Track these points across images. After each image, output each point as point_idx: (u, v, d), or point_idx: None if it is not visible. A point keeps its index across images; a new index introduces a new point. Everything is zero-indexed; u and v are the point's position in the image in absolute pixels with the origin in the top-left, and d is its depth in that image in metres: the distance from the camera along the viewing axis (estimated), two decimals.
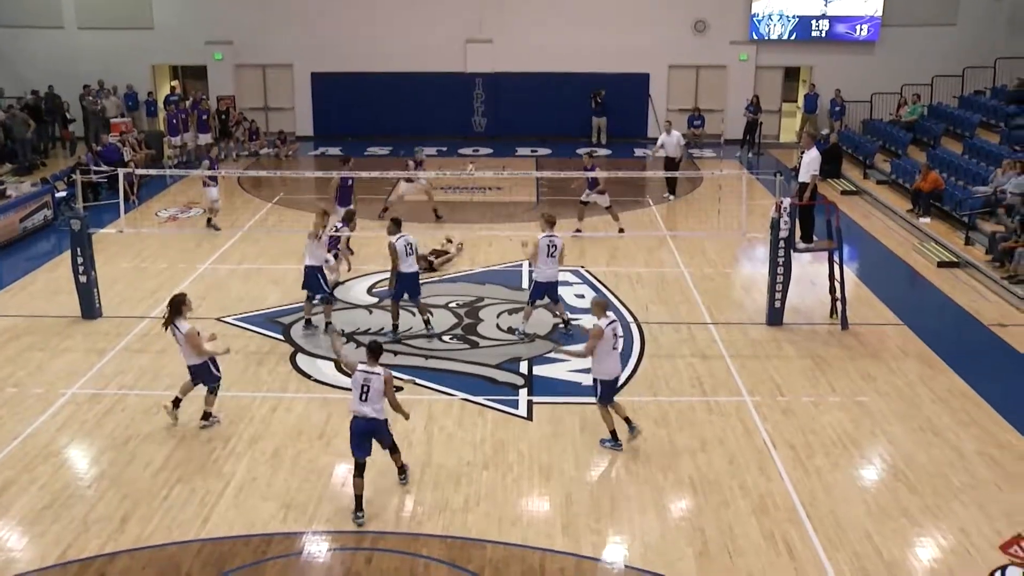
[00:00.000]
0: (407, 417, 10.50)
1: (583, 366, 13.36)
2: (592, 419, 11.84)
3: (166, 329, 11.65)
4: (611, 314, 11.29)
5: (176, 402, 11.98)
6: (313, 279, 14.58)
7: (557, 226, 14.65)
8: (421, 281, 14.85)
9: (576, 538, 9.61)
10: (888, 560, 9.30)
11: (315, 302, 14.89)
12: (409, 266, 14.31)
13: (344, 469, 10.86)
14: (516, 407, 12.40)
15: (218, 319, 15.38)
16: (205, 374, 11.76)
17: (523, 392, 12.82)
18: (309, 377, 13.37)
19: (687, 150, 28.44)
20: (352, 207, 18.09)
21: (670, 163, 23.43)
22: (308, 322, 14.93)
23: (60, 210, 21.55)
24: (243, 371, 13.35)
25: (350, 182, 18.82)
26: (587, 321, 15.12)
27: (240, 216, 21.25)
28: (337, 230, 15.76)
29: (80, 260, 15.22)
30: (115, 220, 19.70)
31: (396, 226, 14.37)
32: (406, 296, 14.53)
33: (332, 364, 13.64)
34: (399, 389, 12.14)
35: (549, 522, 9.89)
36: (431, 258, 17.18)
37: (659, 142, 23.85)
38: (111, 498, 10.30)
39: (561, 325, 14.79)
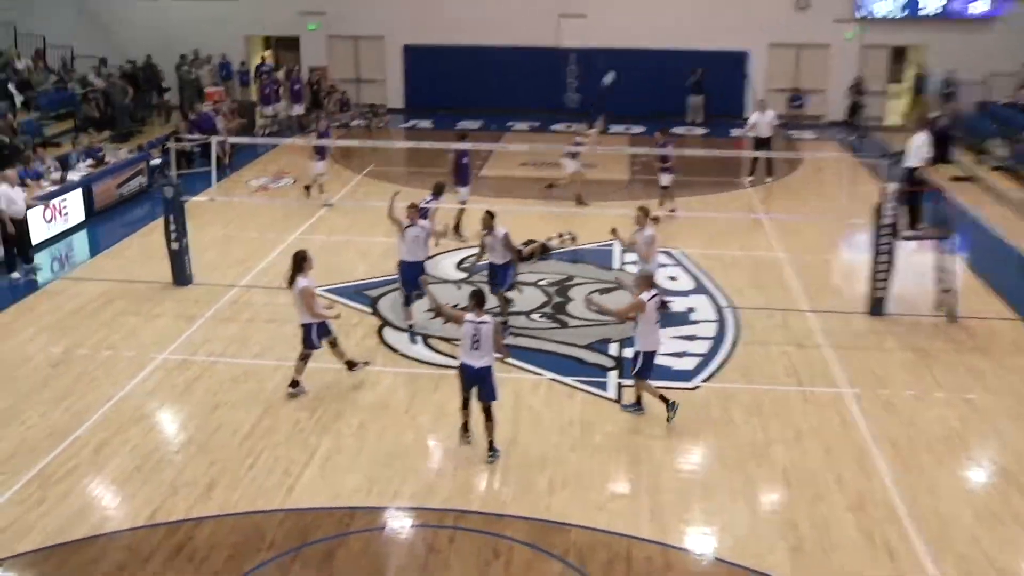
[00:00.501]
0: (506, 357, 11.03)
1: (673, 349, 13.35)
2: (684, 404, 11.67)
3: (289, 287, 11.78)
4: (655, 289, 11.35)
5: (350, 364, 12.33)
6: (403, 274, 13.83)
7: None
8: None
9: (664, 526, 9.47)
10: (999, 568, 8.90)
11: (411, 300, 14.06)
12: (497, 257, 13.93)
13: (430, 445, 10.95)
14: (605, 389, 12.28)
15: None
16: (305, 337, 11.91)
17: (613, 374, 12.69)
18: (396, 351, 13.44)
19: (786, 131, 27.87)
20: (466, 183, 17.94)
21: (761, 143, 22.96)
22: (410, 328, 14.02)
23: (155, 177, 22.04)
24: None
25: (466, 159, 18.52)
26: (679, 304, 15.07)
27: (330, 187, 21.40)
28: (427, 203, 15.68)
29: (173, 227, 15.53)
30: (207, 188, 20.13)
31: (492, 217, 13.84)
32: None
33: (421, 340, 13.67)
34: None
35: (636, 508, 9.76)
36: (520, 247, 16.99)
37: (751, 121, 23.35)
38: (198, 464, 10.50)
39: None
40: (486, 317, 10.38)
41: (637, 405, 11.64)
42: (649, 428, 11.33)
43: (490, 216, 13.82)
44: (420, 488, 10.07)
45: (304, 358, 12.05)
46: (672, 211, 19.48)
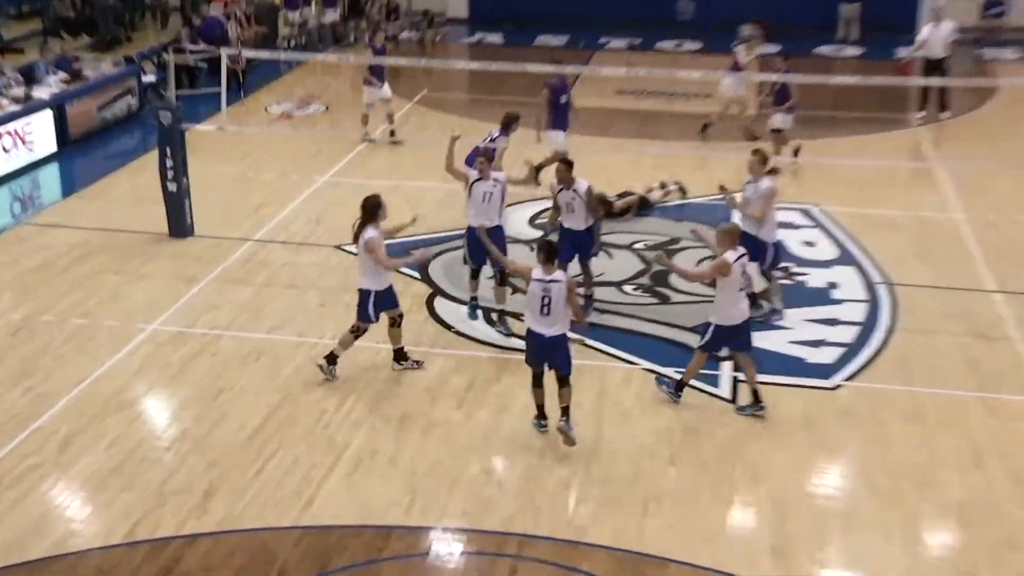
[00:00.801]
0: (582, 322, 11.23)
1: (808, 335, 13.21)
2: (821, 409, 11.53)
3: (355, 242, 11.82)
4: (741, 248, 11.28)
5: (399, 355, 12.36)
6: (470, 242, 13.47)
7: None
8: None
9: (790, 567, 9.33)
10: None
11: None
12: (577, 221, 13.46)
13: (490, 449, 10.95)
14: (716, 385, 12.18)
15: (337, 247, 15.61)
16: (360, 305, 11.91)
17: (727, 366, 12.52)
18: (450, 328, 13.46)
19: (977, 50, 27.23)
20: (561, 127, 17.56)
21: (933, 66, 22.40)
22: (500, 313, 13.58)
23: (147, 98, 22.29)
24: None
25: (565, 96, 17.91)
26: (816, 278, 14.83)
27: (371, 117, 21.41)
28: (492, 140, 15.60)
29: (169, 163, 15.65)
30: (215, 114, 20.28)
31: (570, 168, 13.39)
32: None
33: (481, 315, 13.62)
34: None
35: (754, 542, 9.66)
36: (612, 199, 16.80)
37: (921, 36, 22.80)
38: (194, 465, 10.58)
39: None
40: (558, 274, 10.52)
41: (757, 405, 11.55)
42: (773, 436, 11.19)
43: (567, 166, 13.38)
44: (475, 504, 10.05)
45: (356, 332, 12.04)
46: (796, 153, 18.99)
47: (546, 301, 10.49)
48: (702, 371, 12.19)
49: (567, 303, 10.54)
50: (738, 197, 13.65)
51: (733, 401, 11.81)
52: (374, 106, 20.59)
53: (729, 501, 10.20)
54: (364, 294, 11.88)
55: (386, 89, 20.57)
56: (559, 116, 17.82)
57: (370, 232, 11.63)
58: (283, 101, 23.65)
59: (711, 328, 11.44)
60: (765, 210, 13.27)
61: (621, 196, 17.08)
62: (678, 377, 11.82)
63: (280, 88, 24.86)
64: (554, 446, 10.73)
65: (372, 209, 11.72)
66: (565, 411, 10.82)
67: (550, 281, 10.47)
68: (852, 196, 17.95)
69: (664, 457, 10.82)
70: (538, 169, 16.83)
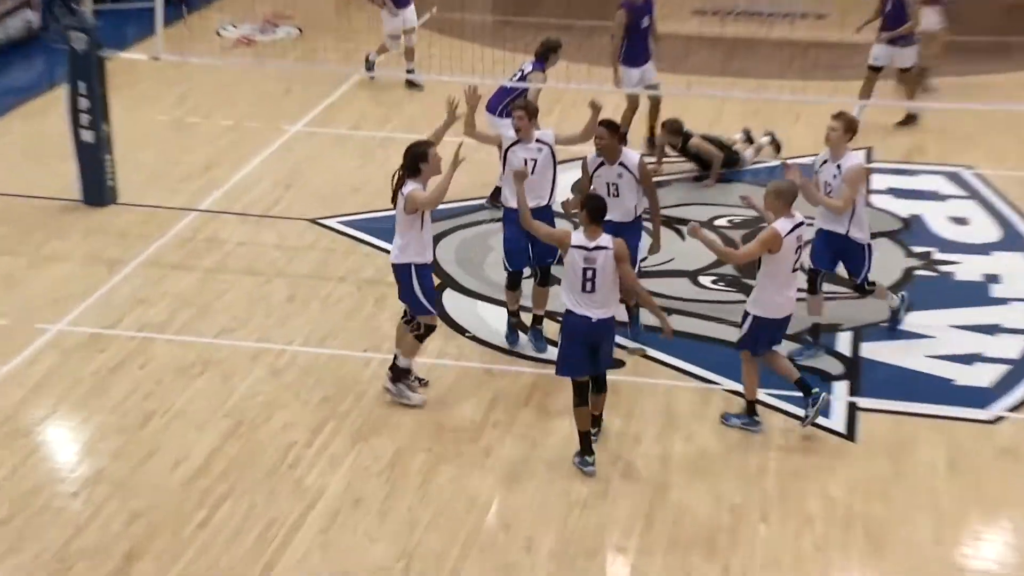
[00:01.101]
0: (667, 328, 11.05)
1: (956, 347, 13.19)
2: (975, 449, 11.51)
3: (393, 201, 11.80)
4: (799, 214, 11.25)
5: (399, 371, 12.23)
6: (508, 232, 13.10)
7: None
8: (661, 178, 14.32)
9: None
10: None
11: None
12: (622, 209, 12.86)
13: (515, 496, 10.93)
14: (826, 413, 12.08)
15: (313, 221, 15.62)
16: (405, 290, 11.83)
17: (840, 387, 12.59)
18: (463, 333, 13.52)
19: None
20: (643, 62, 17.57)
21: None
22: (533, 321, 13.56)
23: (53, 13, 22.30)
24: (351, 315, 13.55)
25: (647, 20, 17.81)
26: (970, 268, 14.78)
27: (360, 47, 21.48)
28: (522, 77, 15.59)
29: (84, 104, 15.72)
30: (147, 38, 20.30)
31: (613, 134, 12.72)
32: None
33: (505, 312, 13.57)
34: (619, 364, 12.08)
35: None
36: (686, 130, 16.77)
37: None
38: (112, 516, 10.57)
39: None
40: (604, 239, 10.55)
41: (809, 399, 11.57)
42: (906, 485, 11.17)
43: (610, 131, 12.68)
44: (494, 571, 10.05)
45: (416, 331, 11.92)
46: (915, 103, 18.80)
47: (589, 274, 10.54)
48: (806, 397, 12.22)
49: (616, 277, 10.61)
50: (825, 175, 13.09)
51: (851, 438, 11.80)
52: (400, 39, 20.69)
53: (846, 570, 10.18)
54: (402, 272, 11.79)
55: (410, 14, 20.75)
56: (635, 46, 17.74)
57: (412, 185, 11.59)
58: (241, 22, 23.72)
59: (748, 319, 11.50)
60: (851, 194, 12.80)
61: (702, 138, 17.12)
62: (750, 420, 11.85)
63: (237, 4, 24.91)
64: (602, 494, 10.73)
65: (414, 160, 11.61)
66: (596, 420, 11.10)
67: (594, 248, 10.50)
68: (1021, 155, 17.94)
69: (753, 510, 10.79)
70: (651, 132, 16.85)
